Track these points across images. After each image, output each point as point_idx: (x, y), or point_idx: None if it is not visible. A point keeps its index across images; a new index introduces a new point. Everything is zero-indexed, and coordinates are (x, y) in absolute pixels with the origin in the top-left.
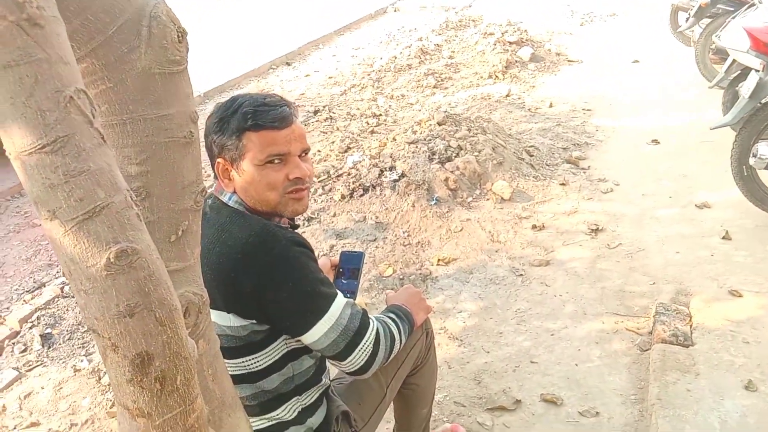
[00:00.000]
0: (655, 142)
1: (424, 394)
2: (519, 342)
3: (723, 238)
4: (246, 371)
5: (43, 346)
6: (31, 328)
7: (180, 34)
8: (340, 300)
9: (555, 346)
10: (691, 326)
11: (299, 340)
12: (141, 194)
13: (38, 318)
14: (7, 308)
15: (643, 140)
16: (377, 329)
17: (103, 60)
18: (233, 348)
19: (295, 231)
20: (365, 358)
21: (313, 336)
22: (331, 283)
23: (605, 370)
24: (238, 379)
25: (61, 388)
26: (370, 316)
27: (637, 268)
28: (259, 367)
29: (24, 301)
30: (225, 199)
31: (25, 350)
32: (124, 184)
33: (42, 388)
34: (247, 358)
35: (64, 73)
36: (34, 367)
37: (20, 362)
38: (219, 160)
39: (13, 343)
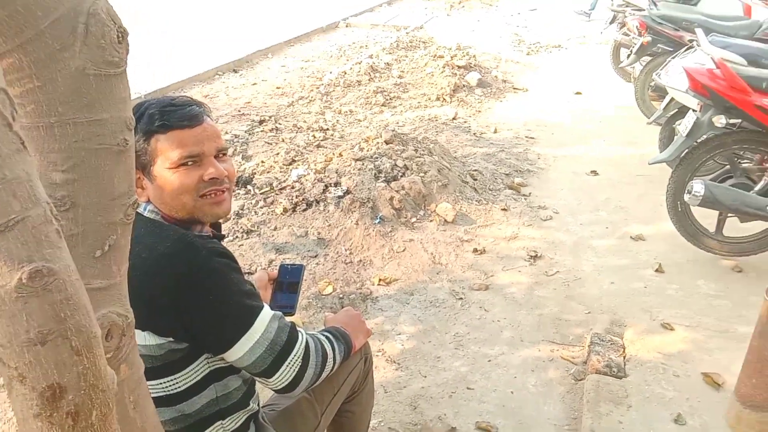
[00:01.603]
0: (594, 173)
1: (360, 422)
2: (456, 367)
3: (656, 270)
4: (164, 393)
5: None
6: None
7: (120, 34)
8: (266, 313)
9: (491, 373)
10: (624, 357)
11: (222, 358)
12: (65, 204)
13: None
14: None
15: (582, 170)
16: (306, 343)
17: (33, 56)
18: (150, 369)
19: (218, 240)
20: (293, 375)
21: (236, 353)
22: (257, 294)
23: (540, 399)
24: (156, 403)
25: None
26: (299, 329)
27: (573, 296)
28: (179, 389)
29: None
30: (140, 209)
31: None
32: (44, 196)
33: None
34: (166, 379)
35: None
36: None
37: None
38: None
39: None
